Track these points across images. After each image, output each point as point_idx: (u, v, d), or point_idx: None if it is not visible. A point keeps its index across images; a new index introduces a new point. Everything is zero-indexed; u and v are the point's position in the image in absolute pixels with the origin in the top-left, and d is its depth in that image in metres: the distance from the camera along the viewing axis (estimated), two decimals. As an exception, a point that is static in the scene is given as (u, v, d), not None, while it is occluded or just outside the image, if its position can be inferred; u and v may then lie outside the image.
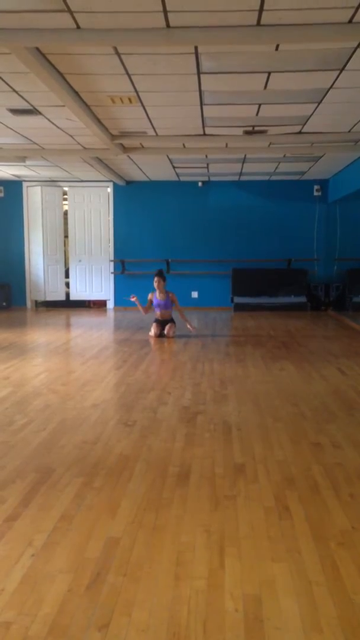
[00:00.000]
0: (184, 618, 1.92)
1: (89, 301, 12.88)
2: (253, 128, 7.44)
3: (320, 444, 3.68)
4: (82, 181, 12.19)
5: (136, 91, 5.83)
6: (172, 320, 8.28)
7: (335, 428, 4.01)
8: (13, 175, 11.54)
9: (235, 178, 11.72)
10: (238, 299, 11.92)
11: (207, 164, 10.18)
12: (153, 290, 8.28)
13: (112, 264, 12.43)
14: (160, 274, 8.19)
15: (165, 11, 3.89)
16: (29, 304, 12.65)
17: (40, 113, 6.68)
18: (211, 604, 1.99)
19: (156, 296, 8.22)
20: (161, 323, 8.22)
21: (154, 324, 8.22)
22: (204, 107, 6.41)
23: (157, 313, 8.29)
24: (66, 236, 12.96)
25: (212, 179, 11.82)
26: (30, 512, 2.69)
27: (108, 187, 12.23)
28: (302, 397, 4.85)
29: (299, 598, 2.03)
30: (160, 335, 8.10)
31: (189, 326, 8.29)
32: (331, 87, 5.68)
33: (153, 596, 2.04)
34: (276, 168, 10.53)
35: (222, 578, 2.15)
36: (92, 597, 2.03)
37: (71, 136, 7.92)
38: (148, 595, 2.04)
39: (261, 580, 2.14)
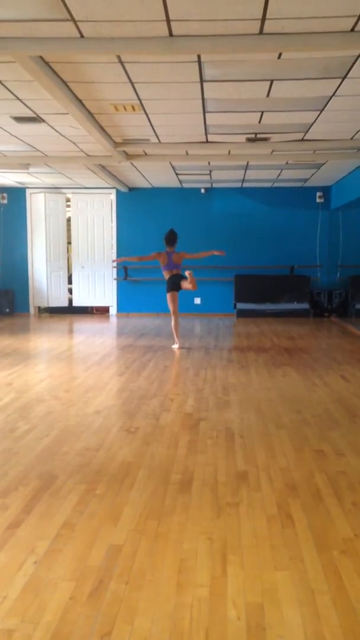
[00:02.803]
0: (186, 626, 1.91)
1: (92, 307, 12.91)
2: (255, 135, 7.47)
3: (323, 451, 3.67)
4: (85, 188, 12.24)
5: (139, 99, 5.86)
6: (182, 275, 7.69)
7: (338, 435, 4.00)
8: (16, 182, 11.59)
9: (238, 185, 11.75)
10: (241, 306, 11.93)
11: (210, 171, 10.21)
12: (161, 251, 7.76)
13: (115, 270, 12.45)
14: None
15: (168, 20, 3.92)
16: (32, 310, 12.67)
17: (43, 121, 6.72)
18: (213, 612, 1.99)
19: (172, 259, 7.67)
20: (176, 282, 7.65)
21: (170, 295, 7.67)
22: (206, 114, 6.44)
23: (171, 271, 7.69)
24: (69, 242, 13.00)
25: (215, 185, 11.85)
26: (32, 519, 2.69)
27: (111, 193, 12.27)
28: (305, 404, 4.84)
29: (302, 606, 2.02)
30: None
31: (216, 252, 7.90)
32: (333, 94, 5.71)
33: (155, 604, 2.03)
34: (279, 175, 10.55)
35: (225, 586, 2.14)
36: (94, 605, 2.03)
37: (74, 143, 7.96)
38: (150, 603, 2.04)
39: (263, 588, 2.13)
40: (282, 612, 1.99)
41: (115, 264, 12.28)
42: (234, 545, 2.45)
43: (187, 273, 7.30)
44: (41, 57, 4.63)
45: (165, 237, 7.75)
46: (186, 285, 7.49)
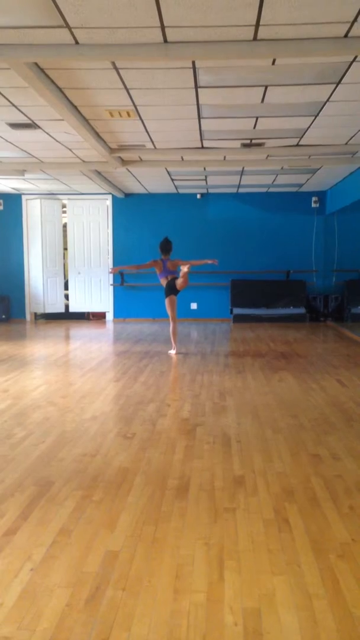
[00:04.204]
0: (183, 632, 1.90)
1: (88, 313, 12.90)
2: (251, 141, 7.49)
3: (319, 455, 3.67)
4: (81, 194, 12.25)
5: (134, 105, 5.88)
6: (175, 277, 7.68)
7: (334, 439, 4.00)
8: (12, 188, 11.59)
9: (234, 190, 11.78)
10: (237, 311, 11.94)
11: (206, 177, 10.24)
12: (157, 258, 7.81)
13: (111, 275, 12.46)
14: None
15: (162, 26, 3.94)
16: (28, 316, 12.66)
17: (39, 127, 6.73)
18: (210, 617, 1.98)
19: (167, 266, 7.69)
20: (172, 286, 7.64)
21: (168, 300, 7.68)
22: (201, 120, 6.46)
23: (167, 278, 7.69)
24: (65, 248, 13.01)
25: (211, 191, 11.88)
26: (29, 526, 2.68)
27: (107, 199, 12.29)
28: (302, 409, 4.84)
29: (299, 611, 2.01)
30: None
31: (209, 261, 7.75)
32: (328, 100, 5.73)
33: (152, 610, 2.03)
34: (274, 180, 10.59)
35: (222, 591, 2.14)
36: (91, 612, 2.02)
37: (70, 150, 7.97)
38: (147, 609, 2.03)
39: (261, 593, 2.13)
40: (280, 617, 1.98)
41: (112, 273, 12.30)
42: (231, 550, 2.44)
43: (183, 267, 7.22)
44: (36, 64, 4.65)
45: (160, 245, 7.77)
46: (179, 282, 7.48)
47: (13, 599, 2.09)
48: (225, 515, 2.79)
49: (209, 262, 7.78)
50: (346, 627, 1.93)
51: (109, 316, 12.67)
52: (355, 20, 3.86)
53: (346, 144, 7.68)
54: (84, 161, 8.80)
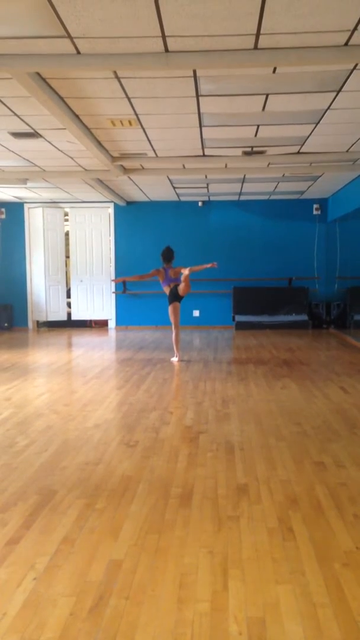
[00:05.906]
0: (187, 642, 1.89)
1: (91, 321, 12.92)
2: (252, 149, 7.52)
3: (323, 463, 3.66)
4: (83, 202, 12.29)
5: (136, 114, 5.91)
6: (178, 284, 7.65)
7: (338, 447, 3.98)
8: (15, 197, 11.63)
9: (235, 198, 11.80)
10: (239, 318, 11.94)
11: (207, 184, 10.26)
12: (159, 267, 7.79)
13: (113, 283, 12.47)
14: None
15: (163, 36, 3.96)
16: (30, 324, 12.67)
17: (41, 136, 6.77)
18: (215, 627, 1.97)
19: (169, 274, 7.68)
20: (174, 293, 7.63)
21: (172, 307, 7.68)
22: (203, 128, 6.49)
23: (169, 285, 7.69)
24: (67, 256, 13.04)
25: (212, 198, 11.91)
26: (32, 534, 2.67)
27: (109, 207, 12.33)
28: (305, 416, 4.83)
29: (303, 620, 2.00)
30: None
31: (208, 265, 7.61)
32: (329, 108, 5.76)
33: (156, 619, 2.02)
34: (275, 187, 10.61)
35: (226, 601, 2.13)
36: (94, 621, 2.01)
37: (72, 158, 8.00)
38: (151, 618, 2.02)
39: (265, 602, 2.11)
40: (284, 626, 1.97)
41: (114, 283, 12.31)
42: (235, 559, 2.43)
43: (184, 271, 7.24)
44: (38, 74, 4.68)
45: (162, 254, 7.78)
46: (181, 287, 7.46)
47: (16, 609, 2.08)
48: (229, 523, 2.77)
49: (209, 266, 7.74)
50: (351, 636, 1.91)
51: (112, 324, 12.67)
52: (355, 28, 3.88)
53: (347, 151, 7.70)
54: (86, 170, 8.84)
